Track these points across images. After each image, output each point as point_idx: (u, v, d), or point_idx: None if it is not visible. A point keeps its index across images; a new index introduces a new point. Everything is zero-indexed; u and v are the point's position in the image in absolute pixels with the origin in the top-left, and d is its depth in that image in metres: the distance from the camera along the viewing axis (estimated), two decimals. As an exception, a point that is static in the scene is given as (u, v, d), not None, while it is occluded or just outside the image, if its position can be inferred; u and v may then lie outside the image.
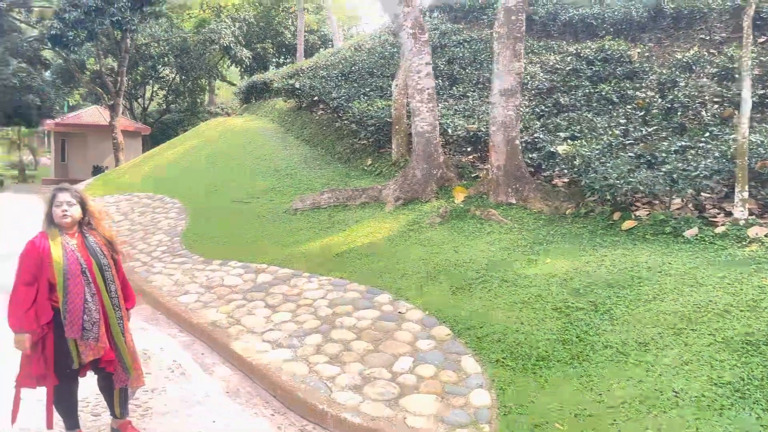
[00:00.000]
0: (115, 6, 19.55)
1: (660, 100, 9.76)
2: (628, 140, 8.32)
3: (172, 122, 31.09)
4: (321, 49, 25.44)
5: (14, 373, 3.53)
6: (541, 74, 11.96)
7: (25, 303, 3.38)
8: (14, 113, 25.01)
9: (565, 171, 7.96)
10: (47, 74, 27.96)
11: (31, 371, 3.46)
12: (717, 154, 6.94)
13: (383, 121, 10.84)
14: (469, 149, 10.23)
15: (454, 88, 12.73)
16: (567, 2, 14.93)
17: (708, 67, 10.68)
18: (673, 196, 6.95)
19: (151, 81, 31.04)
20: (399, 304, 5.92)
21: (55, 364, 3.48)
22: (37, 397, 3.86)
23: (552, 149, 8.32)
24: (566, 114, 10.19)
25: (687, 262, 5.48)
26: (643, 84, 10.82)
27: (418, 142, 9.34)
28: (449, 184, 9.08)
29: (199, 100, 32.92)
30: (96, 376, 3.75)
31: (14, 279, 3.44)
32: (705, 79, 10.25)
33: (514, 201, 8.16)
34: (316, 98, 14.08)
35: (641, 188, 6.67)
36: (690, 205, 6.95)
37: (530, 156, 8.73)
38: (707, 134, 7.96)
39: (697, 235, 6.07)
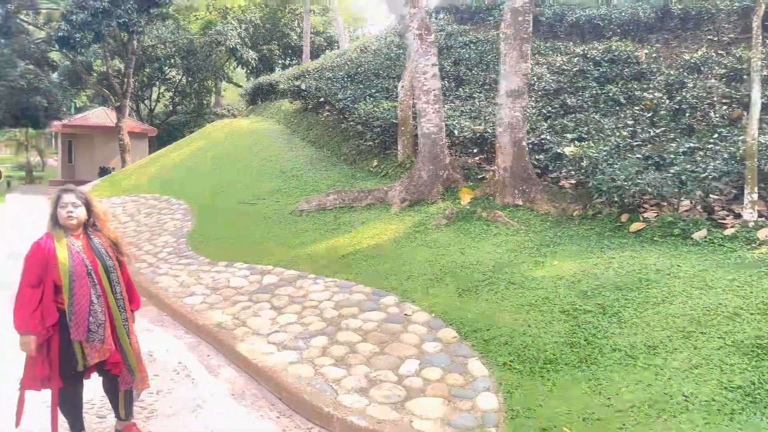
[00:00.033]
0: (122, 8, 19.63)
1: (668, 102, 9.70)
2: (636, 141, 8.27)
3: (178, 124, 31.19)
4: (327, 51, 25.45)
5: (19, 375, 3.52)
6: (548, 75, 11.92)
7: (30, 305, 3.37)
8: (22, 115, 25.17)
9: (573, 172, 7.92)
10: (54, 76, 28.13)
11: (36, 373, 3.44)
12: (726, 156, 6.88)
13: (389, 123, 10.82)
14: (475, 150, 10.19)
15: (460, 89, 12.70)
16: (574, 3, 14.91)
17: (716, 68, 10.62)
18: (682, 198, 6.89)
19: (157, 82, 31.14)
20: (405, 306, 5.89)
21: (60, 366, 3.47)
22: (41, 399, 3.86)
23: (559, 150, 8.27)
24: (573, 115, 10.15)
25: (696, 265, 5.43)
26: (651, 85, 10.77)
27: (424, 143, 9.31)
28: (455, 186, 9.05)
29: (205, 102, 33.02)
30: (101, 378, 3.73)
31: (19, 280, 3.43)
32: (713, 80, 10.19)
33: (520, 202, 8.12)
34: (322, 100, 14.07)
35: (649, 190, 6.62)
36: (699, 207, 6.89)
37: (537, 157, 8.69)
38: (716, 135, 7.90)
39: (706, 237, 6.01)
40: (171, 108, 32.73)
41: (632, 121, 9.18)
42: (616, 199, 6.91)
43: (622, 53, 11.90)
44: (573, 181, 8.39)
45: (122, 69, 25.37)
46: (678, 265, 5.47)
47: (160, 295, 7.12)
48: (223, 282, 7.13)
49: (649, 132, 8.59)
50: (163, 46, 28.22)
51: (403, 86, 10.67)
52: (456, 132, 9.94)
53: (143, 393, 4.18)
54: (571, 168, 7.86)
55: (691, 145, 7.63)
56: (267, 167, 12.25)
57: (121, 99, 23.99)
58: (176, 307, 6.68)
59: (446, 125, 9.66)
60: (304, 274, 7.03)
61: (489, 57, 13.59)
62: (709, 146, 7.48)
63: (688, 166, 6.79)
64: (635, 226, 6.60)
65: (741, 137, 7.20)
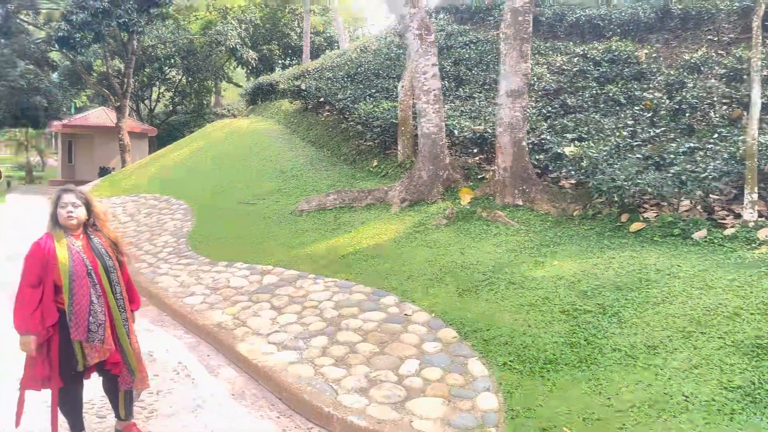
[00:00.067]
0: (122, 8, 19.63)
1: (668, 102, 9.70)
2: (636, 141, 8.27)
3: (178, 124, 31.19)
4: (327, 51, 25.44)
5: (19, 375, 3.52)
6: (548, 75, 11.92)
7: (30, 305, 3.37)
8: (22, 115, 25.15)
9: (573, 172, 7.92)
10: (54, 76, 28.12)
11: (36, 373, 3.44)
12: (726, 156, 6.88)
13: (389, 123, 10.82)
14: (475, 150, 10.19)
15: (460, 89, 12.70)
16: (574, 3, 14.91)
17: (716, 68, 10.61)
18: (682, 198, 6.89)
19: (157, 82, 31.14)
20: (405, 306, 5.89)
21: (60, 366, 3.47)
22: (41, 399, 3.86)
23: (559, 150, 8.27)
24: (573, 115, 10.15)
25: (696, 265, 5.43)
26: (651, 85, 10.77)
27: (424, 143, 9.31)
28: (455, 186, 9.05)
29: (205, 102, 33.02)
30: (101, 378, 3.73)
31: (20, 280, 3.43)
32: (713, 80, 10.19)
33: (520, 202, 8.12)
34: (321, 100, 14.07)
35: (649, 190, 6.62)
36: (699, 207, 6.89)
37: (537, 157, 8.69)
38: (716, 136, 7.90)
39: (705, 237, 6.01)
40: (171, 108, 32.71)
41: (632, 121, 9.18)
42: (616, 199, 6.91)
43: (622, 53, 11.90)
44: (573, 181, 8.39)
45: (122, 69, 25.37)
46: (678, 265, 5.47)
47: (160, 295, 7.12)
48: (223, 282, 7.13)
49: (649, 132, 8.59)
50: (163, 46, 28.22)
51: (403, 86, 10.67)
52: (456, 132, 9.93)
53: (143, 393, 4.18)
54: (571, 168, 7.86)
55: (691, 145, 7.63)
56: (267, 167, 12.25)
57: (121, 99, 23.99)
58: (176, 307, 6.68)
59: (446, 125, 9.66)
60: (304, 274, 7.03)
61: (489, 57, 13.59)
62: (709, 146, 7.48)
63: (688, 166, 6.80)
64: (635, 226, 6.60)
65: (741, 137, 7.20)
